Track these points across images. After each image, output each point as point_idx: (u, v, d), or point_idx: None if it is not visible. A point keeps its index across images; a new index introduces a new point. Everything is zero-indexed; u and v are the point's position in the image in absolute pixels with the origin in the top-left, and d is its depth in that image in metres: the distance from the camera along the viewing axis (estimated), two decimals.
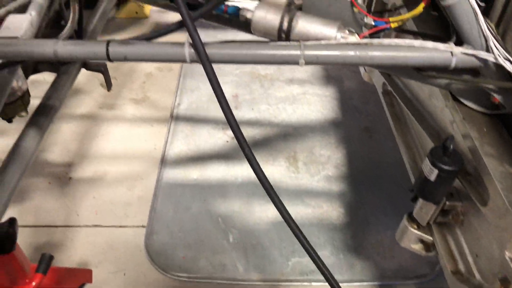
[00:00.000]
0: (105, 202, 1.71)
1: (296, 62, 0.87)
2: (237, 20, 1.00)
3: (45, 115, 1.25)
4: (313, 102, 2.19)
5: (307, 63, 0.86)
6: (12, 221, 1.01)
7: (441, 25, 1.03)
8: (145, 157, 1.90)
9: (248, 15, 0.97)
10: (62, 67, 1.49)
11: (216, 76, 0.85)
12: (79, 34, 1.48)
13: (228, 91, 2.30)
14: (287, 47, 0.87)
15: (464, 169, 0.91)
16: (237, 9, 0.98)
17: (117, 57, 0.87)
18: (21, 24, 1.04)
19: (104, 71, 1.65)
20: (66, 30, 1.35)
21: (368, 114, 2.12)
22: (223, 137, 2.01)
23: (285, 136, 2.02)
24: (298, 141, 1.99)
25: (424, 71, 0.89)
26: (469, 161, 0.91)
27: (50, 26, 1.30)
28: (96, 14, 1.71)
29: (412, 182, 1.20)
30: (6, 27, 1.04)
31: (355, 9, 0.93)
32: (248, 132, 2.03)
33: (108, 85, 1.72)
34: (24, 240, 1.51)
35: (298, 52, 0.86)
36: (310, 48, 0.86)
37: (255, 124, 2.09)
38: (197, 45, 0.84)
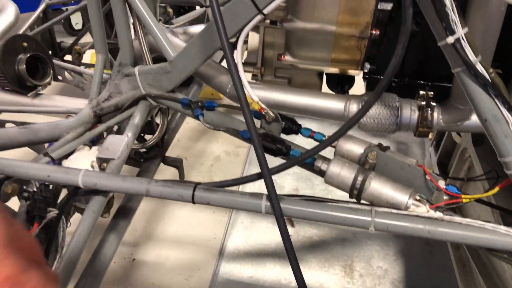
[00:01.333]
0: None
1: (366, 228, 0.90)
2: (311, 168, 1.07)
3: (124, 217, 1.36)
4: None
5: (377, 230, 0.90)
6: None
7: None
8: (204, 246, 1.97)
9: (323, 167, 1.04)
10: (144, 164, 1.63)
11: (288, 232, 0.91)
12: (162, 137, 1.62)
13: (289, 183, 2.36)
14: (359, 211, 0.91)
15: None
16: (313, 159, 1.05)
17: (201, 201, 0.96)
18: (118, 146, 1.18)
19: (179, 166, 1.78)
20: (154, 139, 1.50)
21: None
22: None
23: (343, 241, 2.02)
24: (356, 249, 1.98)
25: (495, 251, 0.89)
26: None
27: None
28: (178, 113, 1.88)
29: None
30: (106, 148, 1.18)
31: (427, 177, 0.97)
32: (305, 231, 2.06)
33: (181, 177, 1.84)
34: None
35: (369, 219, 0.90)
36: (381, 216, 0.90)
37: (313, 223, 2.11)
38: (273, 200, 0.91)
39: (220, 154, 2.58)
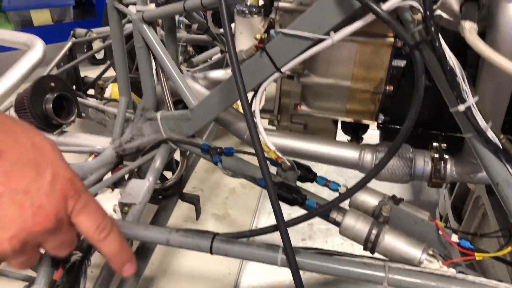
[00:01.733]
0: None
1: (379, 283, 0.92)
2: (326, 218, 1.10)
3: (142, 257, 1.39)
4: None
5: (390, 285, 0.92)
6: None
7: None
8: (219, 281, 1.99)
9: (338, 219, 1.06)
10: (162, 202, 1.68)
11: (302, 281, 0.94)
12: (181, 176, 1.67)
13: None
14: (372, 267, 0.93)
15: None
16: (329, 211, 1.08)
17: (219, 252, 0.99)
18: (140, 191, 1.23)
19: (196, 203, 1.82)
20: (173, 179, 1.55)
21: None
22: None
23: None
24: (370, 286, 1.97)
25: None
26: None
27: None
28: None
29: None
30: (128, 193, 1.22)
31: (440, 232, 0.99)
32: None
33: (198, 215, 1.88)
34: None
35: (382, 275, 0.92)
36: (394, 272, 0.91)
37: None
38: (289, 255, 0.94)
39: (235, 186, 2.61)
